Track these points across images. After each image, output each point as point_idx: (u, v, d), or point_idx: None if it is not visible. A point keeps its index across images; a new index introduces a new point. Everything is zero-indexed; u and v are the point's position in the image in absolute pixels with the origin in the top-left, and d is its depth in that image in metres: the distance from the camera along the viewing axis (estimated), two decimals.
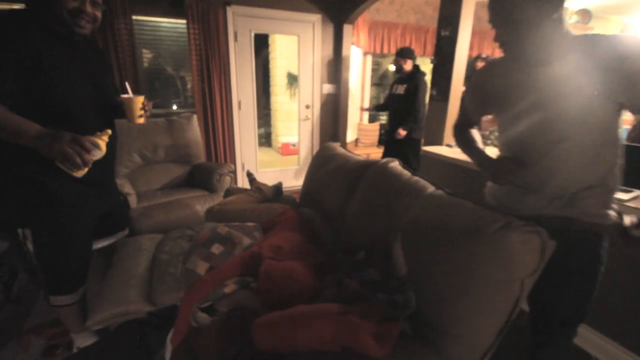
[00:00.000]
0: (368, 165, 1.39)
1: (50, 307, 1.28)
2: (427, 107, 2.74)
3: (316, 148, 3.92)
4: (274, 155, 5.93)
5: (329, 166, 1.71)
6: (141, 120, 1.32)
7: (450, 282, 0.86)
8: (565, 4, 0.84)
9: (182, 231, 1.78)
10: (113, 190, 1.50)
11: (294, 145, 5.61)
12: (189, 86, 3.55)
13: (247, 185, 2.37)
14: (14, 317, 1.71)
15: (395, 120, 3.09)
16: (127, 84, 1.35)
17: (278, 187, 1.96)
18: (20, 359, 1.50)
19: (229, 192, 1.97)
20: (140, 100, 1.28)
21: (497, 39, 0.91)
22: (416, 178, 1.21)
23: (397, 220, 1.08)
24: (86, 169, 1.03)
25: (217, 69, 3.07)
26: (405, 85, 3.02)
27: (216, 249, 1.31)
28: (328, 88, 3.70)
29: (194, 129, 2.72)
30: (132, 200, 2.18)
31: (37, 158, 1.02)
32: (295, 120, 5.94)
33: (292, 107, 5.73)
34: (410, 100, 2.97)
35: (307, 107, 3.74)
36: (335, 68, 3.67)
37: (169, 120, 2.62)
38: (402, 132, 2.96)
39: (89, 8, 1.06)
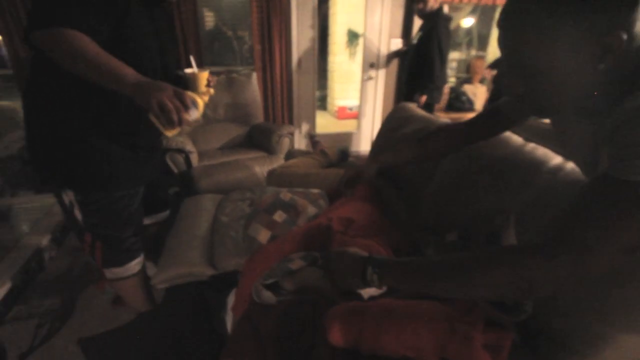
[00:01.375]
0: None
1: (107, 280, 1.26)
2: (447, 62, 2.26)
3: (380, 111, 3.62)
4: (329, 119, 5.71)
5: (406, 129, 1.47)
6: (205, 98, 1.21)
7: (599, 288, 0.63)
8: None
9: (242, 193, 1.70)
10: (160, 157, 1.44)
11: (351, 109, 5.31)
12: (246, 46, 3.41)
13: (305, 148, 2.23)
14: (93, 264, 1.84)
15: (410, 80, 2.65)
16: (192, 58, 1.23)
17: (344, 152, 1.78)
18: (97, 302, 1.61)
19: (290, 155, 1.84)
20: (205, 75, 1.15)
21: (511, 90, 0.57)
22: (531, 145, 0.94)
23: (508, 198, 0.84)
24: (178, 129, 0.91)
25: (278, 25, 2.86)
26: (420, 33, 2.51)
27: (279, 216, 1.20)
28: (397, 43, 3.31)
29: (254, 88, 2.61)
30: (194, 159, 2.16)
31: (95, 122, 0.98)
32: (354, 82, 5.60)
33: (351, 67, 5.36)
34: (425, 52, 2.45)
35: (372, 65, 3.41)
36: (407, 19, 3.24)
37: (229, 78, 2.53)
38: (422, 99, 2.52)
39: None
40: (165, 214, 1.51)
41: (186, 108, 0.85)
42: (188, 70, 1.18)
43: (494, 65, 3.27)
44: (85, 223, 1.15)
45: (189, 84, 1.17)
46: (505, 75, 0.56)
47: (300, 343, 0.64)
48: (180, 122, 0.85)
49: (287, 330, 0.68)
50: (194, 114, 0.90)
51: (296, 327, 0.67)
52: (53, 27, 0.78)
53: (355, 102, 5.39)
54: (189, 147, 2.13)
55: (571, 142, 0.68)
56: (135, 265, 1.26)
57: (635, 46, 0.46)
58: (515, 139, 0.98)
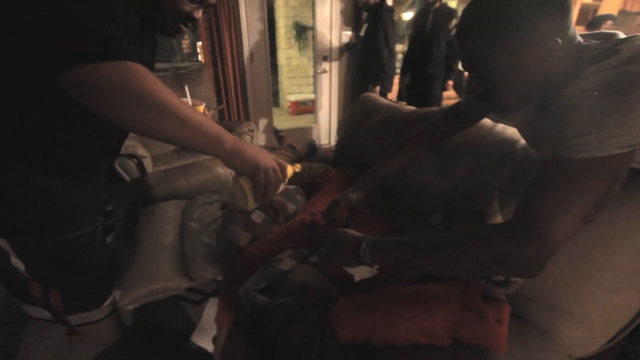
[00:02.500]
0: (435, 114, 1.16)
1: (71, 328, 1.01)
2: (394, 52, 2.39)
3: (336, 104, 3.63)
4: (283, 115, 5.63)
5: (374, 118, 1.48)
6: None
7: (584, 255, 0.67)
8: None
9: (209, 196, 1.60)
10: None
11: (304, 103, 5.27)
12: (186, 41, 3.18)
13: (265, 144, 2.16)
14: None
15: (362, 72, 2.77)
16: (186, 87, 1.08)
17: (311, 145, 1.75)
18: (48, 334, 1.41)
19: None
20: (201, 109, 1.04)
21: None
22: (500, 126, 0.99)
23: (488, 177, 0.88)
24: (256, 205, 0.72)
25: (227, 19, 2.72)
26: (366, 25, 2.66)
27: (257, 216, 1.14)
28: (349, 35, 3.33)
29: (206, 84, 2.46)
30: (148, 164, 1.98)
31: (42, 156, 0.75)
32: (305, 77, 5.57)
33: (301, 61, 5.32)
34: (372, 43, 2.56)
35: (325, 58, 3.40)
36: (357, 10, 3.27)
37: (177, 74, 2.35)
38: (377, 90, 2.64)
39: (198, 15, 0.84)
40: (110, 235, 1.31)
41: (283, 182, 0.71)
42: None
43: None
44: (30, 273, 0.91)
45: None
46: (468, 77, 0.65)
47: (312, 346, 0.61)
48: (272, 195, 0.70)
49: (294, 334, 0.64)
50: (282, 187, 0.74)
51: (304, 330, 0.64)
52: (112, 60, 0.55)
53: (308, 96, 5.35)
54: (141, 151, 1.95)
55: (531, 133, 0.76)
56: (107, 306, 1.04)
57: (570, 49, 0.56)
58: (485, 120, 1.02)
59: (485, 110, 0.83)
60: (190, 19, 0.82)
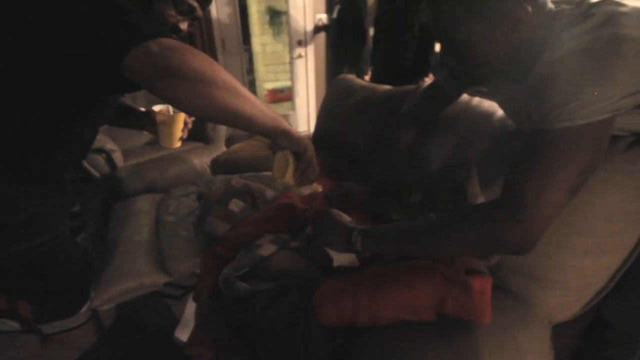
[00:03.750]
0: (412, 91, 1.15)
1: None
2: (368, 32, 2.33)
3: (314, 89, 3.57)
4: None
5: (351, 99, 1.45)
6: (179, 145, 1.03)
7: (563, 222, 0.68)
8: None
9: (184, 189, 1.54)
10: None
11: (282, 91, 5.16)
12: None
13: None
14: None
15: (336, 54, 2.73)
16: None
17: None
18: (20, 342, 1.34)
19: (232, 140, 1.71)
20: (181, 119, 0.97)
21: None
22: (476, 99, 0.98)
23: (466, 151, 0.87)
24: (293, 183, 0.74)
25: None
26: (338, 6, 2.58)
27: (235, 205, 1.10)
28: (323, 19, 3.26)
29: None
30: (118, 158, 1.89)
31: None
32: (281, 63, 5.44)
33: (276, 47, 5.18)
34: (345, 24, 2.53)
35: (300, 43, 3.32)
36: None
37: None
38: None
39: (184, 27, 0.82)
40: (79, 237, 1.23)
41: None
42: (161, 114, 0.96)
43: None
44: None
45: (160, 127, 0.96)
46: (440, 50, 0.64)
47: (296, 330, 0.59)
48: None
49: (277, 319, 0.61)
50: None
51: (287, 315, 0.61)
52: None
53: (285, 83, 5.25)
54: (110, 145, 1.85)
55: (509, 106, 0.75)
56: (85, 312, 0.96)
57: (541, 16, 0.54)
58: (464, 96, 1.01)
59: (460, 85, 0.82)
60: (175, 30, 0.79)
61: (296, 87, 3.57)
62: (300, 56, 3.38)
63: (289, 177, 0.68)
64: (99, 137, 1.85)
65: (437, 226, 0.58)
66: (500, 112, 0.88)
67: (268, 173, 1.28)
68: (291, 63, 3.45)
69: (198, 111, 0.61)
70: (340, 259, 0.69)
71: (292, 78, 3.54)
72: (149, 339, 1.18)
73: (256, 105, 0.63)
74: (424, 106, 0.93)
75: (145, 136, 2.23)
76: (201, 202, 1.15)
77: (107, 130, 2.08)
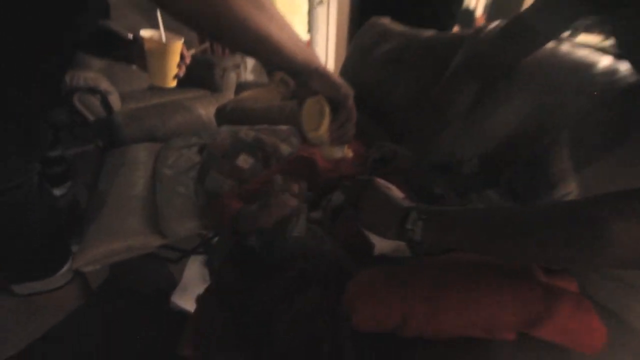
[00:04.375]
0: (472, 36, 0.90)
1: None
2: None
3: (334, 39, 3.24)
4: None
5: (387, 46, 1.21)
6: (173, 84, 0.82)
7: None
8: None
9: (186, 139, 1.35)
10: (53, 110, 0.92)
11: None
12: None
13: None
14: None
15: None
16: (158, 14, 0.73)
17: None
18: None
19: (242, 88, 1.49)
20: (179, 47, 0.75)
21: None
22: (566, 45, 0.75)
23: (555, 114, 0.66)
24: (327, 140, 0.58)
25: None
26: None
27: (244, 161, 0.92)
28: None
29: None
30: (115, 101, 1.69)
31: None
32: (299, 13, 5.00)
33: None
34: None
35: None
36: None
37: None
38: None
39: None
40: (65, 186, 1.07)
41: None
42: (151, 35, 0.75)
43: None
44: None
45: (149, 58, 0.75)
46: None
47: (318, 340, 0.43)
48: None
49: (293, 324, 0.45)
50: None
51: (305, 320, 0.45)
52: None
53: (304, 35, 4.87)
54: (105, 85, 1.64)
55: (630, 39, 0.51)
56: (63, 274, 0.84)
57: None
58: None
59: (567, 19, 0.59)
60: None
61: (315, 38, 3.23)
62: (321, 2, 3.02)
63: (323, 131, 0.51)
64: (92, 75, 1.65)
65: (533, 218, 0.39)
66: (604, 63, 0.65)
67: (284, 127, 1.08)
68: (310, 12, 3.09)
69: (204, 22, 0.42)
70: (384, 245, 0.51)
71: (311, 26, 3.20)
72: (142, 302, 1.06)
73: (284, 28, 0.45)
74: (496, 52, 0.70)
75: (147, 79, 2.01)
76: (204, 154, 0.97)
77: (103, 70, 1.87)
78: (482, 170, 0.73)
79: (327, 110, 0.50)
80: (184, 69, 0.84)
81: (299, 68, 0.48)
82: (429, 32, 1.15)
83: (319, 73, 0.50)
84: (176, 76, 0.82)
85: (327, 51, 3.29)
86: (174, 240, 0.95)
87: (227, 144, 0.94)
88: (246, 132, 0.99)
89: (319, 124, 0.50)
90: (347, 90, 0.52)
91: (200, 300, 0.71)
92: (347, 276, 0.49)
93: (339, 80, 0.52)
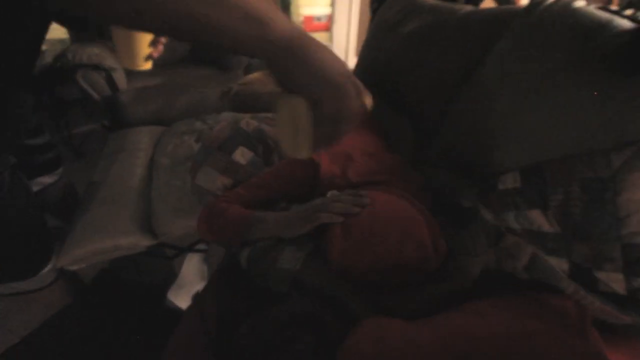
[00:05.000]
0: (519, 13, 0.73)
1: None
2: None
3: (357, 17, 3.02)
4: None
5: (414, 23, 1.04)
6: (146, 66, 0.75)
7: None
8: None
9: (189, 123, 1.26)
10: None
11: (319, 19, 4.53)
12: None
13: None
14: None
15: None
16: None
17: None
18: None
19: (251, 69, 1.36)
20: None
21: None
22: None
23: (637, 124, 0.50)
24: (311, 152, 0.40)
25: None
26: None
27: (241, 155, 0.81)
28: None
29: None
30: (120, 78, 1.61)
31: None
32: None
33: None
34: None
35: None
36: None
37: None
38: None
39: None
40: (56, 172, 1.00)
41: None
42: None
43: None
44: None
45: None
46: None
47: None
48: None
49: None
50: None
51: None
52: None
53: (325, 10, 4.61)
54: (109, 62, 1.55)
55: None
56: (47, 273, 0.79)
57: None
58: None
59: None
60: None
61: (337, 15, 3.02)
62: None
63: (304, 149, 0.36)
64: (96, 51, 1.56)
65: None
66: None
67: None
68: None
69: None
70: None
71: (333, 3, 2.98)
72: (135, 300, 1.00)
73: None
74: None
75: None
76: (199, 145, 0.87)
77: (108, 46, 1.77)
78: (526, 187, 0.59)
79: (303, 119, 0.34)
80: (161, 48, 0.74)
81: (251, 47, 0.32)
82: (465, 7, 0.97)
83: (289, 52, 0.32)
84: (149, 57, 0.72)
85: (349, 26, 3.07)
86: (165, 240, 0.88)
87: (224, 135, 0.83)
88: (247, 122, 0.88)
89: (294, 139, 0.36)
90: (339, 83, 0.34)
91: (184, 317, 0.63)
92: (348, 323, 0.39)
93: (330, 66, 0.34)
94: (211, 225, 0.63)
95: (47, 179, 0.95)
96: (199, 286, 1.06)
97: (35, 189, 0.94)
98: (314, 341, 0.39)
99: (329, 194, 0.57)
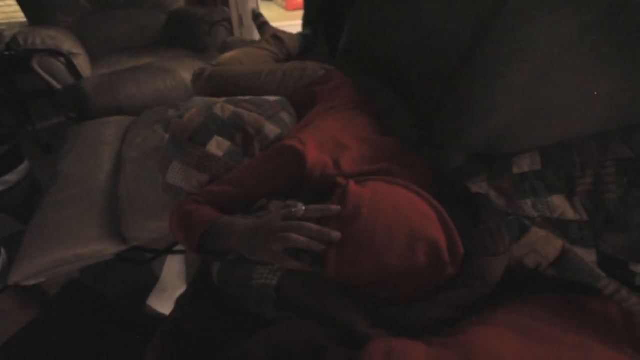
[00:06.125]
0: None
1: None
2: None
3: None
4: (277, 11, 4.67)
5: None
6: None
7: None
8: None
9: (161, 111, 1.14)
10: None
11: None
12: None
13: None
14: None
15: None
16: None
17: (307, 37, 1.21)
18: None
19: (227, 46, 1.23)
20: None
21: None
22: None
23: None
24: None
25: None
26: None
27: (216, 146, 0.70)
28: None
29: None
30: (83, 64, 1.45)
31: None
32: None
33: None
34: None
35: None
36: None
37: None
38: None
39: None
40: (20, 169, 0.90)
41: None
42: None
43: None
44: None
45: None
46: None
47: None
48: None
49: None
50: None
51: None
52: None
53: None
54: (68, 45, 1.39)
55: None
56: None
57: None
58: None
59: None
60: None
61: None
62: None
63: None
64: (52, 33, 1.39)
65: None
66: None
67: (272, 98, 0.85)
68: None
69: None
70: None
71: None
72: (107, 310, 0.91)
73: None
74: None
75: (122, 37, 1.74)
76: (168, 134, 0.76)
77: (71, 26, 1.60)
78: (547, 169, 0.50)
79: None
80: None
81: None
82: None
83: None
84: None
85: None
86: (138, 245, 0.78)
87: (195, 123, 0.72)
88: (222, 107, 0.77)
89: None
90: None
91: (159, 332, 0.54)
92: (351, 347, 0.31)
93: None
94: (178, 228, 0.54)
95: (12, 177, 0.85)
96: (182, 289, 0.98)
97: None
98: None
99: (283, 209, 0.45)
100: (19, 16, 1.76)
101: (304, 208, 0.43)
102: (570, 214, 0.50)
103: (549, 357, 0.28)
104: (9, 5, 1.86)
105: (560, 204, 0.50)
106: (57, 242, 0.71)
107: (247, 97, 0.83)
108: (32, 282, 0.70)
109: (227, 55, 1.04)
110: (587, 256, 0.49)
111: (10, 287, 0.76)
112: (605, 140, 0.46)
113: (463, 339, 0.33)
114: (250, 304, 0.43)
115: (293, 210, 0.43)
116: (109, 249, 0.73)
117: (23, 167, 0.92)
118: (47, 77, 1.35)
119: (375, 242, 0.38)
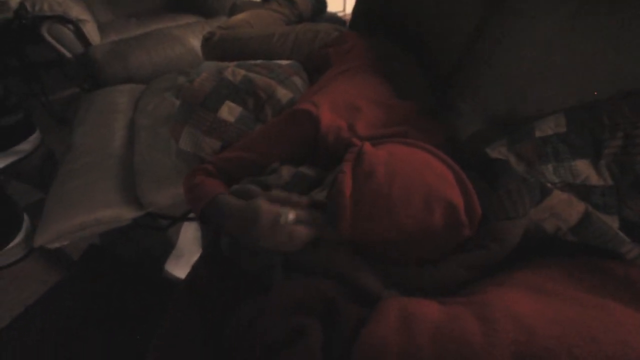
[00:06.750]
0: None
1: None
2: None
3: None
4: None
5: None
6: None
7: None
8: None
9: (171, 79, 1.13)
10: None
11: None
12: None
13: None
14: None
15: None
16: None
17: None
18: None
19: (236, 9, 1.18)
20: None
21: None
22: None
23: None
24: None
25: None
26: None
27: (228, 112, 0.69)
28: None
29: None
30: (92, 32, 1.43)
31: None
32: None
33: None
34: None
35: None
36: None
37: None
38: None
39: None
40: (32, 139, 0.91)
41: None
42: None
43: None
44: None
45: None
46: None
47: None
48: None
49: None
50: None
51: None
52: None
53: None
54: (76, 12, 1.36)
55: None
56: (16, 247, 0.75)
57: None
58: None
59: None
60: None
61: None
62: None
63: None
64: (60, 0, 1.37)
65: None
66: None
67: (284, 62, 0.82)
68: None
69: None
70: None
71: None
72: (128, 274, 0.95)
73: None
74: None
75: (129, 3, 1.70)
76: (180, 101, 0.75)
77: None
78: (573, 131, 0.48)
79: None
80: None
81: None
82: None
83: None
84: None
85: None
86: (154, 211, 0.79)
87: (207, 88, 0.71)
88: (233, 71, 0.75)
89: None
90: None
91: (173, 298, 0.56)
92: (364, 305, 0.31)
93: None
94: (187, 200, 0.54)
95: (25, 146, 0.86)
96: (198, 255, 1.01)
97: (13, 158, 0.87)
98: (324, 334, 0.31)
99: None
100: None
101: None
102: (594, 179, 0.48)
103: (572, 317, 0.28)
104: None
105: (584, 169, 0.48)
106: (78, 206, 0.73)
107: (259, 61, 0.81)
108: (56, 244, 0.73)
109: (237, 17, 1.00)
110: (609, 223, 0.47)
111: (36, 250, 0.79)
112: (638, 100, 0.43)
113: (479, 297, 0.33)
114: (261, 271, 0.44)
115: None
116: (127, 214, 0.75)
117: (35, 137, 0.93)
118: (57, 44, 1.34)
119: (392, 201, 0.37)
